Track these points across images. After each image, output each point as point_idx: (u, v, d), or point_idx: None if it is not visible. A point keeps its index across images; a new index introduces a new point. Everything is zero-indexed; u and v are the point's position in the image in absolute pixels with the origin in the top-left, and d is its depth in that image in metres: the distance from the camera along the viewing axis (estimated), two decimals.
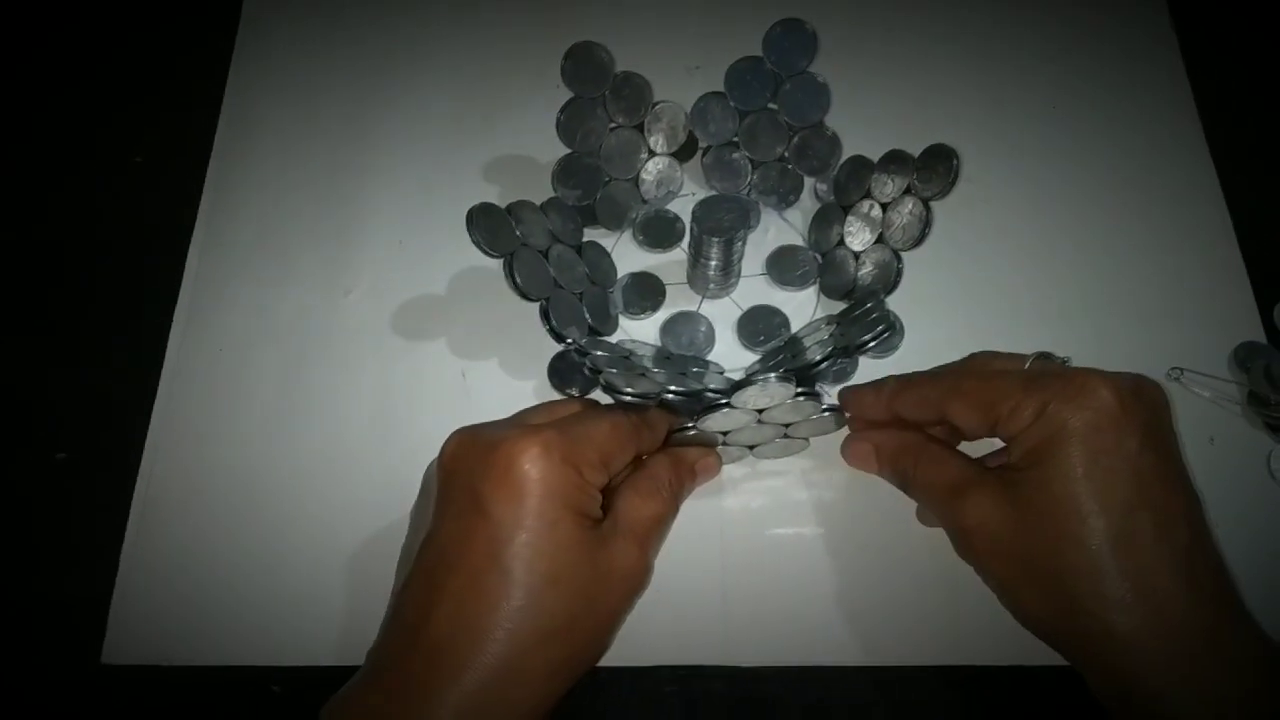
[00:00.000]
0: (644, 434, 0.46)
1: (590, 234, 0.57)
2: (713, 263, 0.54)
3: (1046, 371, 0.42)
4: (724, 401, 0.45)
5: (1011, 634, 0.47)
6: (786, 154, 0.58)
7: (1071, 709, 0.47)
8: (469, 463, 0.42)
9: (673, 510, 0.46)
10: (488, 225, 0.48)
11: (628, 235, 0.59)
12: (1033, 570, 0.40)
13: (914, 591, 0.49)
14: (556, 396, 0.54)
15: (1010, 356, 0.46)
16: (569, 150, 0.56)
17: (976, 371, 0.45)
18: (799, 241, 0.58)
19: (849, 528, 0.51)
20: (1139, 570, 0.38)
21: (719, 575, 0.50)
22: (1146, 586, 0.37)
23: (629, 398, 0.45)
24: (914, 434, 0.47)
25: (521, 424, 0.44)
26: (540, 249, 0.51)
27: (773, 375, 0.43)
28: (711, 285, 0.56)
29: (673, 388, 0.45)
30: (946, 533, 0.44)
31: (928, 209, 0.50)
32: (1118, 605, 0.37)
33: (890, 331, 0.46)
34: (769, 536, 0.51)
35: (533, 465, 0.40)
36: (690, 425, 0.47)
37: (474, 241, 0.47)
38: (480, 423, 0.44)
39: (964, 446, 0.47)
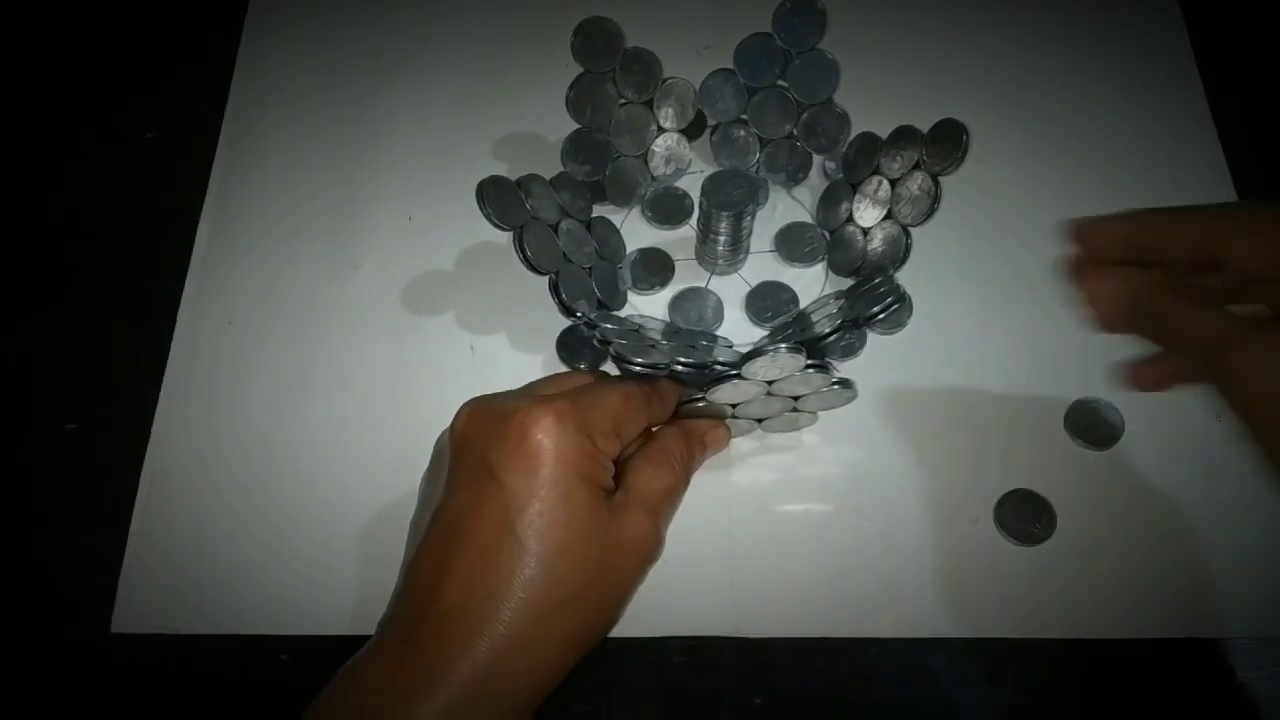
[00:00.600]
0: (654, 404, 0.46)
1: (599, 210, 0.58)
2: (721, 238, 0.54)
3: None
4: (734, 373, 0.45)
5: (1013, 607, 0.48)
6: (795, 131, 0.58)
7: (1077, 680, 0.47)
8: (481, 433, 0.42)
9: (684, 481, 0.46)
10: (498, 198, 0.48)
11: (636, 212, 0.59)
12: None
13: (918, 565, 0.49)
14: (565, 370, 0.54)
15: None
16: (578, 126, 0.56)
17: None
18: (807, 219, 0.58)
19: (855, 503, 0.51)
20: None
21: (726, 548, 0.50)
22: None
23: (639, 368, 0.45)
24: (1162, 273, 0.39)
25: (533, 394, 0.44)
26: (550, 223, 0.51)
27: (783, 346, 0.43)
28: (720, 261, 0.56)
29: (682, 359, 0.45)
30: (1217, 385, 0.36)
31: (937, 184, 0.50)
32: None
33: (899, 303, 0.46)
34: (776, 511, 0.51)
35: (546, 435, 0.40)
36: (700, 397, 0.48)
37: (484, 214, 0.47)
38: (491, 393, 0.45)
39: None
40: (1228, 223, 0.36)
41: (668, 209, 0.59)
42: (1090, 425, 0.52)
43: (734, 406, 0.49)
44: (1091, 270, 0.41)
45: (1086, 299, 0.41)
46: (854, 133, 0.56)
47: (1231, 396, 0.35)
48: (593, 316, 0.49)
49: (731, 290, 0.57)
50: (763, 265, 0.57)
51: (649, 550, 0.43)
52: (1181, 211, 0.39)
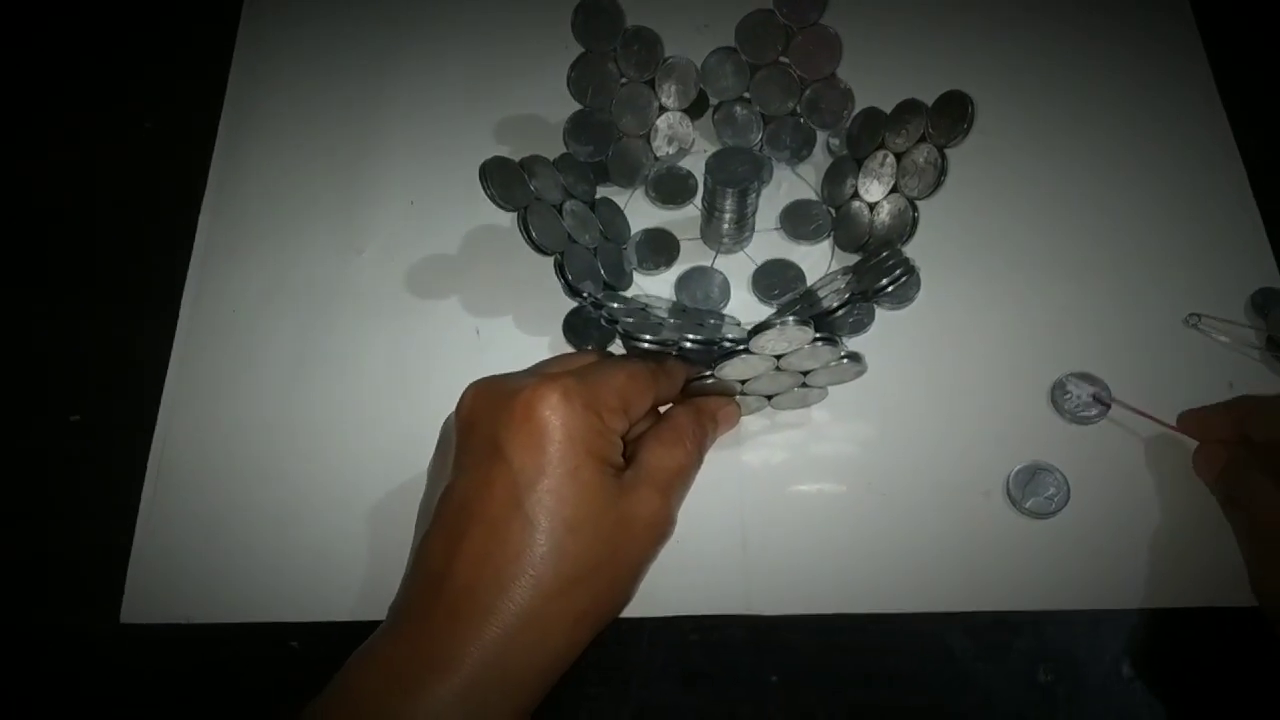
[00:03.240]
0: (662, 381, 0.46)
1: (602, 191, 0.57)
2: (727, 215, 0.53)
3: None
4: (742, 347, 0.44)
5: (1028, 580, 0.48)
6: (798, 108, 0.58)
7: (1090, 652, 0.47)
8: (488, 412, 0.41)
9: (696, 459, 0.46)
10: (501, 179, 0.47)
11: (640, 192, 0.59)
12: None
13: (931, 541, 0.49)
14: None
15: None
16: (580, 107, 0.56)
17: None
18: (812, 197, 0.58)
19: (866, 479, 0.51)
20: None
21: (739, 527, 0.50)
22: None
23: (647, 345, 0.45)
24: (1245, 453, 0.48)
25: (539, 373, 0.44)
26: (554, 204, 0.50)
27: (791, 319, 0.42)
28: (725, 240, 0.56)
29: (691, 335, 0.45)
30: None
31: (943, 156, 0.49)
32: None
33: (908, 275, 0.46)
34: (787, 489, 0.51)
35: (553, 412, 0.40)
36: (708, 374, 0.47)
37: (488, 195, 0.47)
38: (497, 374, 0.44)
39: None
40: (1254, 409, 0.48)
41: (671, 189, 0.58)
42: (1067, 405, 0.52)
43: (743, 383, 0.48)
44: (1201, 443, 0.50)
45: (1195, 464, 0.50)
46: (857, 108, 0.56)
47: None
48: (599, 296, 0.48)
49: (737, 269, 0.56)
50: (768, 243, 0.57)
51: (660, 528, 0.43)
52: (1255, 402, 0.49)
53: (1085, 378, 0.52)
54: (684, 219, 0.58)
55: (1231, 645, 0.47)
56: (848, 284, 0.50)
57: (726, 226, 0.54)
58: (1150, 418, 0.50)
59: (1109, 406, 0.51)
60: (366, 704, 0.38)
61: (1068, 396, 0.52)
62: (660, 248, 0.57)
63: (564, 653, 0.40)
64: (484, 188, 0.47)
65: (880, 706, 0.47)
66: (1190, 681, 0.47)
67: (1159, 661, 0.47)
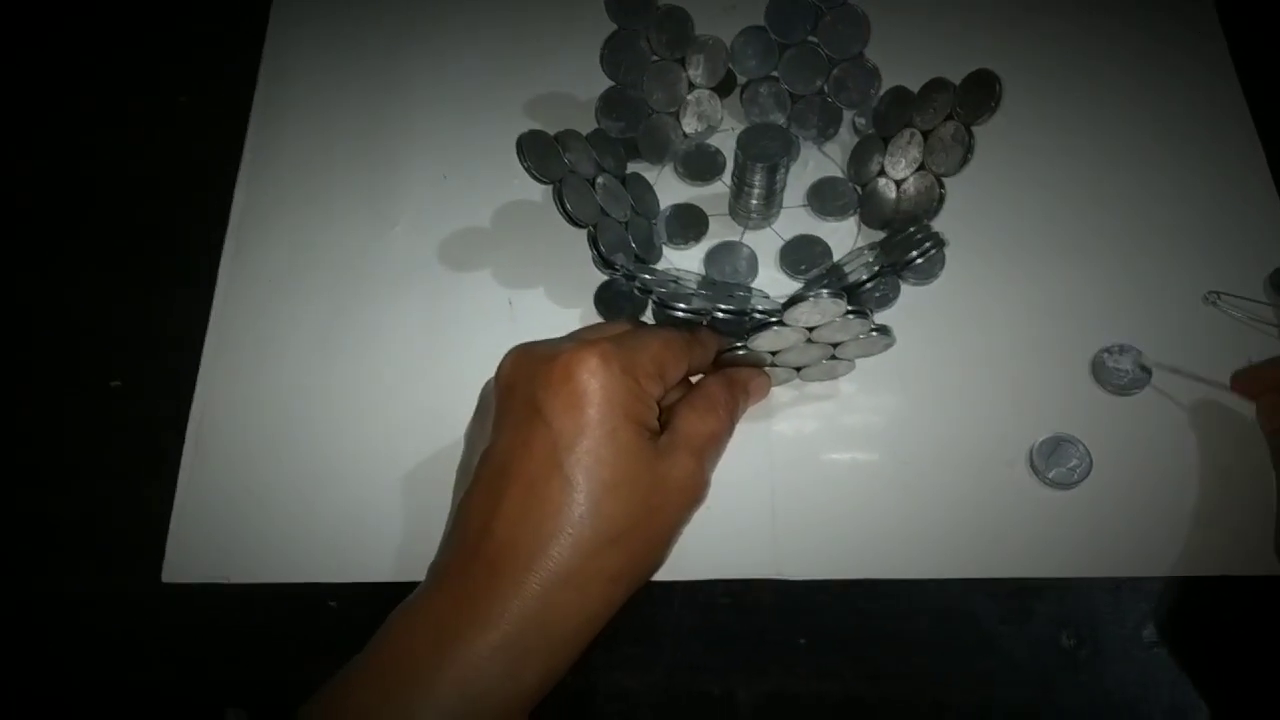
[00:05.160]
0: (695, 350, 0.47)
1: (633, 167, 0.58)
2: (756, 190, 0.54)
3: None
4: (775, 320, 0.45)
5: (1052, 547, 0.49)
6: (826, 87, 0.58)
7: (1112, 618, 0.48)
8: (527, 375, 0.42)
9: (728, 427, 0.47)
10: (537, 152, 0.48)
11: (669, 169, 0.60)
12: None
13: (956, 508, 0.50)
14: None
15: None
16: (611, 84, 0.57)
17: None
18: (839, 175, 0.59)
19: (892, 448, 0.52)
20: None
21: (769, 494, 0.51)
22: None
23: (681, 314, 0.46)
24: None
25: (578, 338, 0.45)
26: (587, 177, 0.51)
27: (824, 291, 0.43)
28: (754, 215, 0.57)
29: (722, 305, 0.46)
30: None
31: (970, 133, 0.50)
32: None
33: (938, 248, 0.46)
34: (816, 457, 0.52)
35: (591, 376, 0.41)
36: (740, 345, 0.48)
37: (524, 167, 0.47)
38: (535, 340, 0.45)
39: None
40: None
41: (700, 165, 0.59)
42: (1111, 378, 0.53)
43: (774, 354, 0.49)
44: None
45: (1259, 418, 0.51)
46: (884, 87, 0.57)
47: None
48: (631, 268, 0.49)
49: (765, 244, 0.57)
50: (795, 220, 0.58)
51: (695, 491, 0.44)
52: None
53: (1122, 350, 0.53)
54: (712, 195, 0.59)
55: (1250, 613, 0.48)
56: (876, 258, 0.50)
57: (755, 202, 0.55)
58: (1203, 380, 0.51)
59: (1151, 374, 0.52)
60: (410, 658, 0.39)
61: (1113, 370, 0.52)
62: (689, 223, 0.58)
63: (600, 611, 0.41)
64: (520, 160, 0.47)
65: (905, 669, 0.48)
66: (1211, 647, 0.48)
67: (1179, 627, 0.48)
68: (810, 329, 0.46)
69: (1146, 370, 0.52)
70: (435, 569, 0.42)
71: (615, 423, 0.41)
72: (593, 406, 0.41)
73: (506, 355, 0.44)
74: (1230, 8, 0.64)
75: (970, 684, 0.47)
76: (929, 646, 0.48)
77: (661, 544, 0.43)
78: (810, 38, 0.57)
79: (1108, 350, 0.53)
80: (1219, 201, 0.58)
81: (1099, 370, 0.53)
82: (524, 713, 0.40)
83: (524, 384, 0.42)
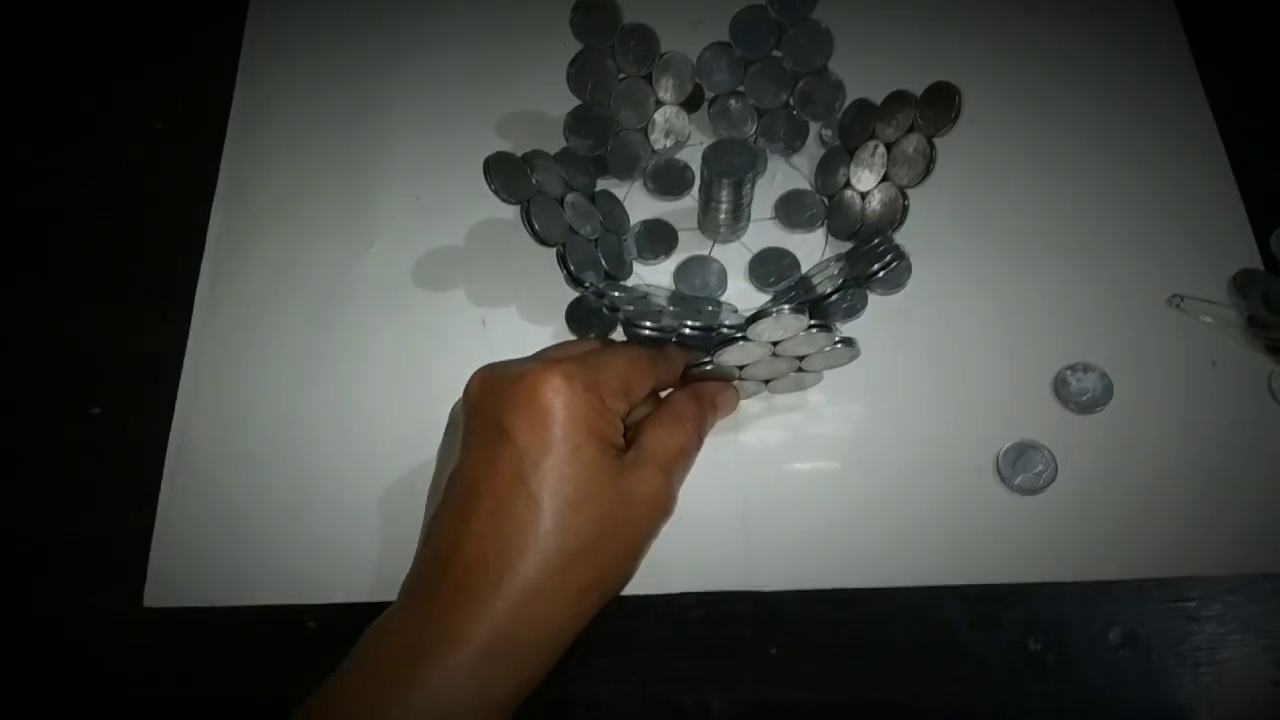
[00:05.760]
0: (661, 366, 0.47)
1: (602, 184, 0.59)
2: (723, 205, 0.55)
3: None
4: (739, 335, 0.46)
5: (1020, 552, 0.50)
6: (791, 100, 0.59)
7: (1078, 621, 0.49)
8: (493, 396, 0.43)
9: (696, 441, 0.47)
10: (504, 173, 0.49)
11: (639, 185, 0.60)
12: None
13: (925, 516, 0.51)
14: None
15: None
16: (580, 102, 0.58)
17: None
18: (806, 187, 0.60)
19: (861, 457, 0.52)
20: None
21: (739, 506, 0.51)
22: None
23: (647, 331, 0.46)
24: None
25: (543, 358, 0.45)
26: (555, 197, 0.52)
27: (786, 307, 0.44)
28: (722, 229, 0.57)
29: (689, 322, 0.47)
30: None
31: (931, 145, 0.51)
32: None
33: (898, 261, 0.47)
34: (785, 468, 0.52)
35: (555, 394, 0.41)
36: (707, 360, 0.49)
37: (492, 189, 0.48)
38: (502, 360, 0.46)
39: None
40: None
41: (669, 181, 0.60)
42: (1073, 397, 0.53)
43: (741, 368, 0.50)
44: None
45: None
46: (849, 100, 0.57)
47: None
48: (600, 285, 0.50)
49: (734, 257, 0.58)
50: (764, 232, 0.59)
51: (661, 505, 0.44)
52: None
53: (1086, 369, 0.53)
54: (682, 210, 0.60)
55: (1213, 613, 0.49)
56: (841, 270, 0.51)
57: (723, 216, 0.56)
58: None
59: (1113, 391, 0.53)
60: (381, 675, 0.39)
61: (1076, 391, 0.53)
62: (659, 238, 0.58)
63: (569, 625, 0.41)
64: (487, 182, 0.48)
65: (878, 675, 0.48)
66: (1172, 648, 0.48)
67: (1144, 629, 0.48)
68: (775, 343, 0.47)
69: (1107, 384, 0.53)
70: (406, 587, 0.43)
71: (579, 440, 0.41)
72: (557, 424, 0.41)
73: (473, 375, 0.45)
74: (1194, 15, 0.64)
75: (942, 689, 0.48)
76: (901, 652, 0.49)
77: (629, 557, 0.44)
78: (775, 52, 0.58)
79: (1070, 368, 0.53)
80: (1183, 207, 0.58)
81: (1060, 388, 0.53)
82: None
83: (490, 404, 0.43)
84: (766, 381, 0.52)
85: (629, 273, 0.57)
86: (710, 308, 0.54)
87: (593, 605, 0.42)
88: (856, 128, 0.56)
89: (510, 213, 0.52)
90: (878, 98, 0.54)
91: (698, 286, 0.57)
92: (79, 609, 0.52)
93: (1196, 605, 0.49)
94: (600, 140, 0.59)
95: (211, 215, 0.61)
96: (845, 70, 0.58)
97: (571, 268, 0.49)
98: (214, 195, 0.62)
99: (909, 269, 0.56)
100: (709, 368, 0.49)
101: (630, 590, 0.45)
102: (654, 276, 0.58)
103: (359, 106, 0.65)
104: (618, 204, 0.59)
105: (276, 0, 0.69)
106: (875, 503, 0.51)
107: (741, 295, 0.57)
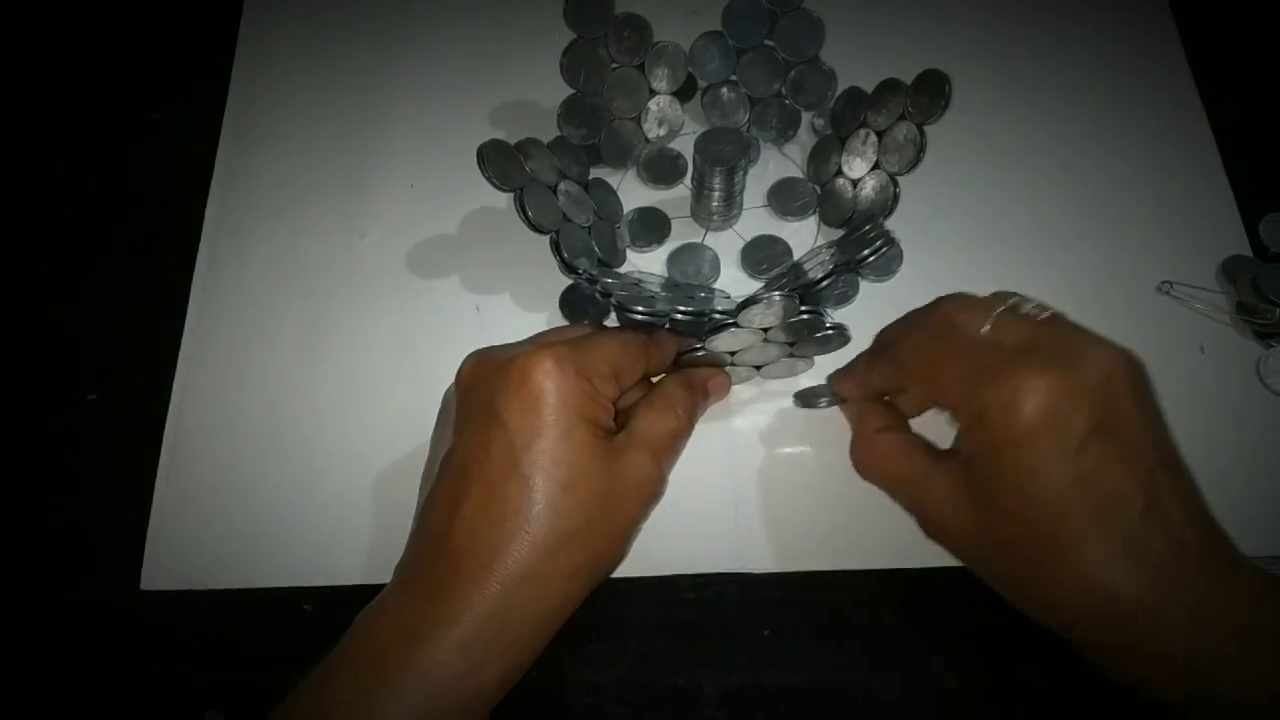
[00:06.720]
0: (653, 352, 0.48)
1: (595, 172, 0.59)
2: (716, 193, 0.55)
3: (991, 351, 0.41)
4: (731, 321, 0.46)
5: None
6: (783, 89, 0.59)
7: None
8: (485, 380, 0.43)
9: (687, 426, 0.48)
10: (498, 161, 0.49)
11: (632, 173, 0.61)
12: (996, 567, 0.43)
13: None
14: None
15: (974, 305, 0.43)
16: (573, 91, 0.58)
17: (930, 344, 0.44)
18: (798, 175, 0.60)
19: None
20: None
21: (730, 490, 0.52)
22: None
23: (640, 317, 0.47)
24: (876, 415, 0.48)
25: (535, 342, 0.46)
26: (549, 185, 0.52)
27: (777, 294, 0.44)
28: (715, 217, 0.58)
29: (681, 308, 0.47)
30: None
31: (921, 133, 0.51)
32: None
33: (888, 246, 0.47)
34: (775, 452, 0.53)
35: (546, 378, 0.42)
36: (699, 346, 0.49)
37: (485, 177, 0.48)
38: (494, 345, 0.46)
39: None
40: (896, 377, 0.47)
41: (662, 169, 0.60)
42: None
43: (732, 354, 0.50)
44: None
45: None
46: (840, 89, 0.58)
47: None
48: (594, 272, 0.50)
49: (727, 245, 0.58)
50: (757, 220, 0.59)
51: (651, 488, 0.45)
52: (877, 359, 0.48)
53: None
54: (675, 198, 0.60)
55: None
56: (832, 256, 0.51)
57: (715, 204, 0.56)
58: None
59: None
60: (374, 658, 0.40)
61: None
62: (652, 226, 0.59)
63: (560, 606, 0.42)
64: (481, 170, 0.48)
65: (871, 655, 0.49)
66: None
67: None
68: (766, 329, 0.47)
69: None
70: (399, 570, 0.43)
71: (570, 423, 0.42)
72: (547, 408, 0.42)
73: (465, 360, 0.45)
74: (1183, 2, 0.65)
75: (937, 669, 0.48)
76: (892, 633, 0.49)
77: (619, 539, 0.44)
78: (767, 41, 0.58)
79: None
80: (1172, 194, 0.59)
81: None
82: (487, 708, 0.41)
83: (482, 388, 0.43)
84: (758, 367, 0.52)
85: (622, 260, 0.57)
86: (702, 294, 0.54)
87: (584, 587, 0.43)
88: (847, 116, 0.56)
89: (504, 201, 0.53)
90: (869, 86, 0.54)
91: (691, 274, 0.57)
92: (76, 593, 0.52)
93: None
94: (594, 129, 0.59)
95: (208, 203, 0.62)
96: (837, 59, 0.58)
97: (565, 255, 0.49)
98: (210, 184, 0.62)
99: (900, 255, 0.57)
100: (701, 354, 0.50)
101: (621, 573, 0.45)
102: (647, 264, 0.58)
103: (354, 96, 0.65)
104: (611, 192, 0.59)
105: None
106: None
107: (734, 283, 0.57)
